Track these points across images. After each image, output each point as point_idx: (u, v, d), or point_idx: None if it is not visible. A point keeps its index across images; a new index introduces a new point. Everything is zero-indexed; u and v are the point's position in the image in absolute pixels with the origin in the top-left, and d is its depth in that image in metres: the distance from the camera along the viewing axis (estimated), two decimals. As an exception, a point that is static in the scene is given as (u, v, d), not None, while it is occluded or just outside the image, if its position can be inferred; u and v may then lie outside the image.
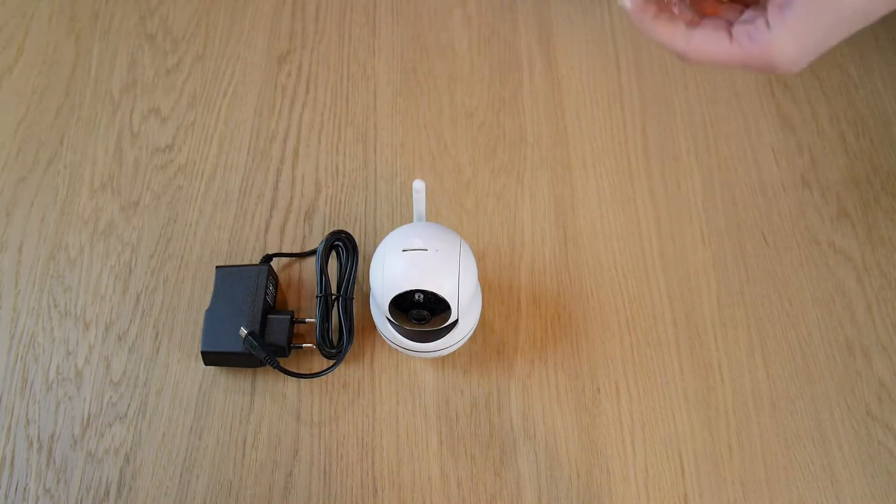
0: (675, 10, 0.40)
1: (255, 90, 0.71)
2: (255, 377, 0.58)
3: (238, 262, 0.62)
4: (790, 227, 0.63)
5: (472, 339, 0.58)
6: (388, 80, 0.71)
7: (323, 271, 0.57)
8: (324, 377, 0.57)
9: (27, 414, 0.57)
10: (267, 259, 0.61)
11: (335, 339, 0.57)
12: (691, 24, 0.40)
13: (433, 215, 0.64)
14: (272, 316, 0.57)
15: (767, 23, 0.38)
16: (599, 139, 0.67)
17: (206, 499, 0.54)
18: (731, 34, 0.39)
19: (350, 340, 0.56)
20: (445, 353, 0.56)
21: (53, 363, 0.58)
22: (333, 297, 0.57)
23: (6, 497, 0.54)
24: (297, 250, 0.63)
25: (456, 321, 0.52)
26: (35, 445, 0.55)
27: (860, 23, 0.39)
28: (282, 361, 0.56)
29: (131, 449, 0.55)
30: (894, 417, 0.56)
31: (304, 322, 0.58)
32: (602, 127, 0.68)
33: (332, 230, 0.61)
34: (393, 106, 0.70)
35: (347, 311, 0.57)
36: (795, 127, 0.68)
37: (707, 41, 0.39)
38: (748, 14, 0.40)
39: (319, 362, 0.58)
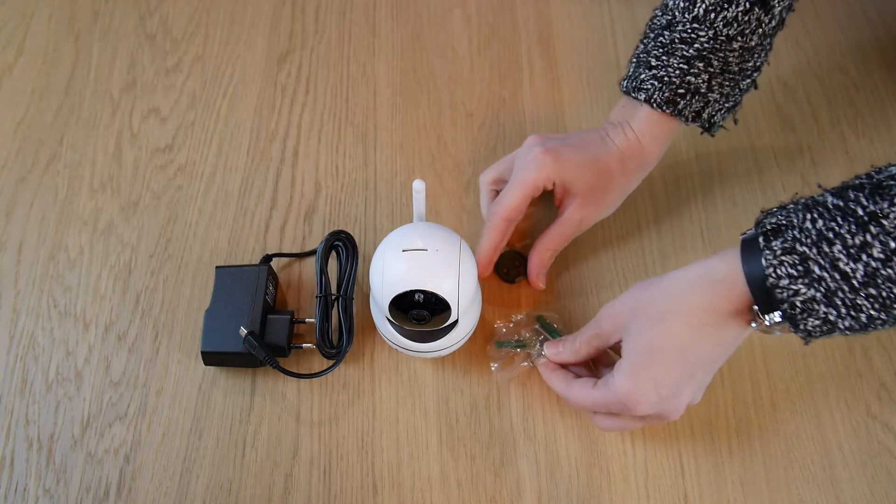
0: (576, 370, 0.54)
1: (254, 90, 0.71)
2: (255, 377, 0.58)
3: (238, 263, 0.62)
4: (790, 227, 0.63)
5: (472, 339, 0.58)
6: (387, 81, 0.71)
7: (323, 271, 0.57)
8: (323, 377, 0.57)
9: (27, 414, 0.57)
10: (267, 259, 0.61)
11: (335, 339, 0.57)
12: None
13: (433, 215, 0.64)
14: (272, 316, 0.57)
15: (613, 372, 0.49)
16: (599, 139, 0.67)
17: (205, 499, 0.54)
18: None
19: (350, 340, 0.56)
20: (445, 353, 0.56)
21: (53, 363, 0.58)
22: (333, 297, 0.57)
23: (6, 497, 0.54)
24: (296, 250, 0.63)
25: (456, 321, 0.52)
26: (35, 446, 0.55)
27: (711, 361, 0.48)
28: (281, 361, 0.56)
29: (131, 449, 0.55)
30: (894, 417, 0.56)
31: (304, 322, 0.58)
32: (602, 127, 0.68)
33: (331, 230, 0.61)
34: (393, 106, 0.70)
35: (347, 312, 0.57)
36: (795, 127, 0.68)
37: (581, 392, 0.51)
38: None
39: (319, 362, 0.58)
